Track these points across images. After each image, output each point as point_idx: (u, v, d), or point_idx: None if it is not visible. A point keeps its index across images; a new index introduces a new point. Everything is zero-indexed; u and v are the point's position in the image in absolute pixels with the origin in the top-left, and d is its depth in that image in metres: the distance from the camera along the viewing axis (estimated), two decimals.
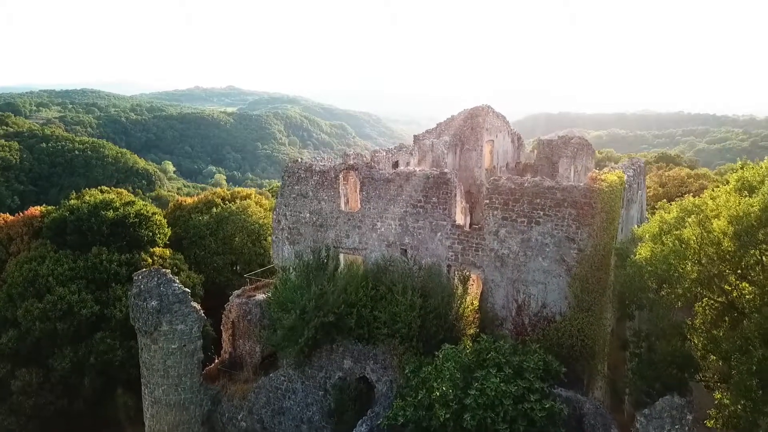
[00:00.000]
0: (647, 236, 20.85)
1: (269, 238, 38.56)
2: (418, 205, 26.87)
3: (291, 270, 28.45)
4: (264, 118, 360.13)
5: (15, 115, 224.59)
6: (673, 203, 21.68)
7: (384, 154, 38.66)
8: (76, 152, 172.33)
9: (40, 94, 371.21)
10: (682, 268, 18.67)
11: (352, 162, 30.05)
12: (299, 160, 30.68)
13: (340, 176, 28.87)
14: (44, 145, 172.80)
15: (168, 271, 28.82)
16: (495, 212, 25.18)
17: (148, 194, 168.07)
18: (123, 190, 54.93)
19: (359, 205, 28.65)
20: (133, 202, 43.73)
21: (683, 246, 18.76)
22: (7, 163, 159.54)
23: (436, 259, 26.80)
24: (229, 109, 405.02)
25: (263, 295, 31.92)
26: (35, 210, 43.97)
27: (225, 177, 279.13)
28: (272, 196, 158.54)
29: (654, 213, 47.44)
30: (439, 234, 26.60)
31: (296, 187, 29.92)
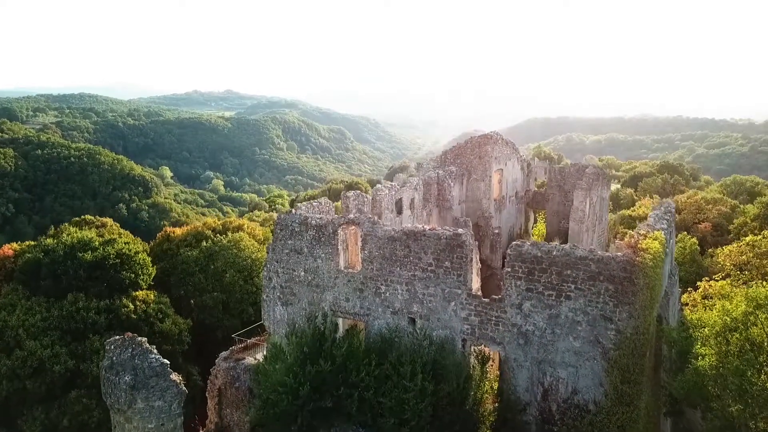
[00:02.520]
0: (706, 330, 17.51)
1: (261, 274, 35.55)
2: (429, 269, 23.53)
3: (282, 340, 25.14)
4: (262, 122, 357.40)
5: (11, 121, 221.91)
6: (737, 290, 18.35)
7: (386, 192, 35.49)
8: (72, 159, 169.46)
9: (38, 98, 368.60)
10: (755, 379, 15.37)
11: (352, 215, 26.71)
12: (292, 211, 27.31)
13: (339, 231, 25.54)
14: (39, 151, 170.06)
15: (144, 339, 25.41)
16: (518, 282, 21.84)
17: (144, 201, 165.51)
18: (109, 219, 51.38)
19: (361, 265, 25.31)
20: (115, 240, 40.26)
21: (755, 349, 15.47)
22: (2, 170, 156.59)
23: (450, 332, 23.44)
24: (227, 114, 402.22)
25: (253, 358, 28.66)
26: (8, 249, 40.51)
27: (223, 182, 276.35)
28: (270, 208, 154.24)
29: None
30: (452, 303, 23.25)
31: (289, 242, 26.56)
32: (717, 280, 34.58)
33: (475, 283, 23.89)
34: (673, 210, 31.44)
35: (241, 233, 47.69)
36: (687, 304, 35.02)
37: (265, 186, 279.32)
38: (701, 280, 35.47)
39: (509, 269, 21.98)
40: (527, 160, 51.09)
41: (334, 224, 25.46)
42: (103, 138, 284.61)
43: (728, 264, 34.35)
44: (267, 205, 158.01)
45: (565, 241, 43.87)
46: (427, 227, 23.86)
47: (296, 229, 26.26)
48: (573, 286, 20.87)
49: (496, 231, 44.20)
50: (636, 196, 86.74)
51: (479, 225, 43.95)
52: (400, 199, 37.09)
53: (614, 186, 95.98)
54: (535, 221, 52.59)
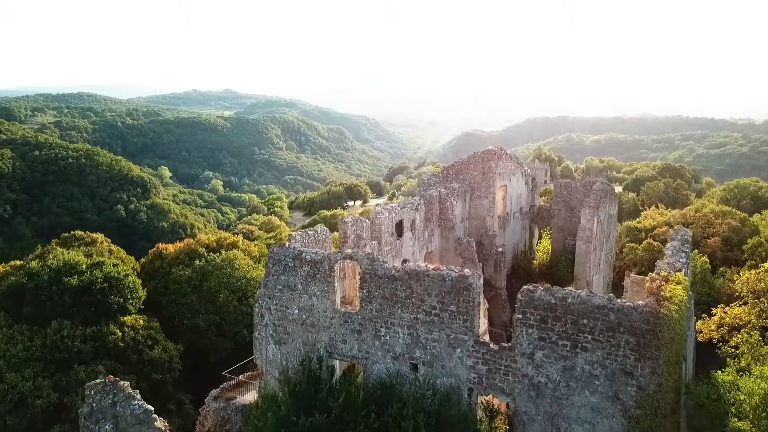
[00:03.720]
0: (742, 396, 15.77)
1: (256, 295, 33.80)
2: (433, 312, 21.80)
3: (275, 383, 23.44)
4: (261, 122, 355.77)
5: (9, 120, 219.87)
6: None
7: (386, 215, 33.77)
8: (70, 160, 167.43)
9: (36, 98, 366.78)
10: None
11: (350, 249, 24.98)
12: (286, 244, 25.54)
13: (336, 268, 23.80)
14: (37, 152, 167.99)
15: (127, 384, 23.72)
16: (530, 330, 20.12)
17: (143, 202, 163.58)
18: (99, 235, 49.56)
19: (359, 305, 23.58)
20: (103, 262, 38.48)
21: None
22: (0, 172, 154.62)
23: (455, 381, 21.72)
24: (227, 113, 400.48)
25: (245, 397, 26.95)
26: None
27: (222, 182, 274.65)
28: (267, 210, 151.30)
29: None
30: (458, 350, 21.52)
31: (282, 278, 24.83)
32: (733, 307, 32.89)
33: (482, 326, 22.21)
34: (690, 238, 29.73)
35: (236, 251, 45.92)
36: (701, 332, 33.33)
37: (264, 186, 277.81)
38: (716, 306, 33.75)
39: (520, 316, 20.26)
40: (532, 175, 49.33)
41: (331, 260, 23.72)
42: (101, 138, 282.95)
43: (745, 291, 32.59)
44: (266, 208, 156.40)
45: (572, 260, 42.18)
46: (430, 267, 22.12)
47: (290, 264, 24.54)
48: (590, 337, 19.16)
49: (500, 249, 42.55)
50: (639, 201, 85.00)
51: (482, 243, 42.24)
52: (401, 221, 35.39)
53: (616, 189, 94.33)
54: (540, 237, 50.88)
